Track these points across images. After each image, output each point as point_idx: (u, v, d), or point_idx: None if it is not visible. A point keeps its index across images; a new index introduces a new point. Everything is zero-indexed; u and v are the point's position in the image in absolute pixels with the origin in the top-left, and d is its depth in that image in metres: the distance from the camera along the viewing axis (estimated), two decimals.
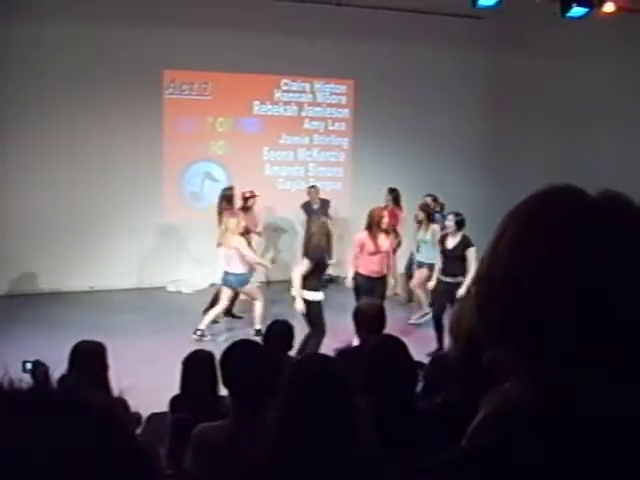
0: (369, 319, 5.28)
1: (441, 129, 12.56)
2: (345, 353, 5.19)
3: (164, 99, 11.69)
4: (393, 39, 11.88)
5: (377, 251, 8.30)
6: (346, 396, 2.44)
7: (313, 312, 7.67)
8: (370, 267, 8.33)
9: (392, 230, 9.41)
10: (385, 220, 8.37)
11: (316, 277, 7.74)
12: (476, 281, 1.01)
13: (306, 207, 11.75)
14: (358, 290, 8.41)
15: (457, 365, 2.73)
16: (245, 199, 10.26)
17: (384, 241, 8.39)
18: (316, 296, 7.71)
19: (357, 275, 8.45)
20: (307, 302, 7.67)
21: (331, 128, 12.78)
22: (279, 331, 5.49)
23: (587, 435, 0.87)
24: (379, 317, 5.30)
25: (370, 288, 8.28)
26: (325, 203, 11.75)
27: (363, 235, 8.43)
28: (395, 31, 11.77)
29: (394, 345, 3.45)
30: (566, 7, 9.86)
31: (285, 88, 12.39)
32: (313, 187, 11.93)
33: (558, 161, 11.45)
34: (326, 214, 11.35)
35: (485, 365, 0.96)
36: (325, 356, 2.74)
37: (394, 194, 11.16)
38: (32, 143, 10.76)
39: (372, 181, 12.46)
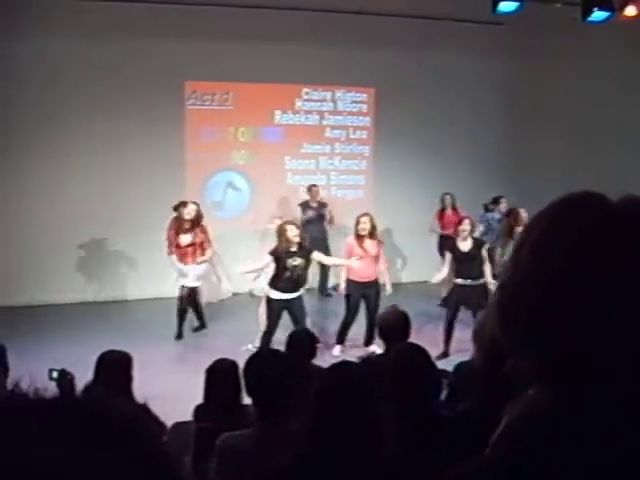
0: (393, 327, 5.26)
1: (461, 136, 12.53)
2: (368, 361, 5.17)
3: (186, 110, 11.77)
4: (413, 46, 11.88)
5: (364, 255, 8.48)
6: (375, 408, 2.43)
7: (268, 308, 8.20)
8: (359, 272, 8.50)
9: (446, 237, 9.55)
10: (361, 225, 8.54)
11: (276, 276, 8.09)
12: (498, 288, 1.01)
13: (304, 206, 11.71)
14: (349, 296, 8.68)
15: (481, 373, 2.72)
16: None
17: (371, 246, 8.56)
18: (272, 294, 8.12)
19: (348, 282, 8.66)
20: (267, 299, 8.18)
21: (352, 136, 12.78)
22: (301, 339, 5.49)
23: (612, 443, 0.86)
24: (402, 325, 5.29)
25: (362, 294, 8.57)
26: (322, 205, 11.75)
27: (351, 240, 8.67)
28: (415, 38, 11.77)
29: (417, 353, 3.43)
30: (587, 11, 9.79)
31: (306, 97, 12.42)
32: (315, 186, 11.89)
33: (577, 168, 11.37)
34: (321, 217, 11.53)
35: (508, 372, 0.96)
36: (353, 366, 2.72)
37: (451, 197, 11.54)
38: (51, 155, 10.91)
39: (394, 188, 12.48)
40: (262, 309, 8.64)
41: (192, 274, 9.53)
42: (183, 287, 9.63)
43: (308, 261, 8.26)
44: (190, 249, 9.52)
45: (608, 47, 11.17)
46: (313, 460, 2.36)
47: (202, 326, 9.93)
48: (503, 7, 9.74)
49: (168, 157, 11.46)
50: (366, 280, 8.56)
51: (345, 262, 8.70)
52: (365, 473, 2.31)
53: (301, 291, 8.32)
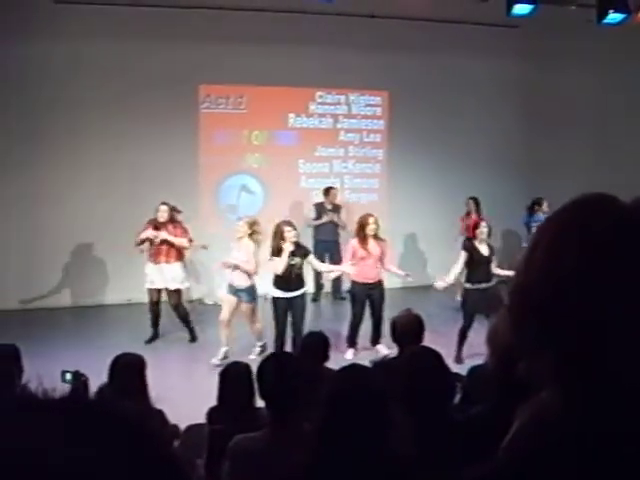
0: (406, 330, 5.25)
1: (475, 140, 12.50)
2: (381, 364, 5.17)
3: (200, 113, 11.82)
4: (427, 50, 11.87)
5: (368, 256, 8.56)
6: (384, 411, 2.43)
7: (273, 308, 8.29)
8: (364, 273, 8.60)
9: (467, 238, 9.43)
10: (371, 226, 8.59)
11: (276, 276, 8.20)
12: (510, 291, 1.00)
13: (318, 207, 11.73)
14: (354, 298, 8.81)
15: (494, 377, 2.70)
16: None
17: (374, 246, 8.61)
18: (275, 293, 8.23)
19: (353, 283, 8.81)
20: (272, 299, 8.26)
21: (366, 140, 12.77)
22: (314, 343, 5.48)
23: (623, 450, 0.85)
24: (416, 328, 5.27)
25: (367, 295, 8.70)
26: (337, 208, 11.74)
27: (354, 242, 8.72)
28: (429, 42, 11.76)
29: (431, 356, 3.42)
30: (602, 13, 9.74)
31: (320, 100, 12.43)
32: (332, 189, 11.87)
33: (592, 170, 11.33)
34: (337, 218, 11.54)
35: (521, 375, 0.95)
36: (363, 369, 2.72)
37: (475, 202, 11.55)
38: (65, 157, 11.00)
39: (408, 192, 12.47)
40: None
41: (167, 275, 9.22)
42: (152, 290, 9.32)
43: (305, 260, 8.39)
44: (164, 247, 9.18)
45: (623, 49, 11.11)
46: (324, 462, 2.36)
47: (193, 338, 9.50)
48: (518, 10, 9.72)
49: (182, 160, 11.50)
50: (370, 281, 8.65)
51: (338, 268, 8.86)
52: (376, 476, 2.31)
53: (303, 289, 8.41)
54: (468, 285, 8.60)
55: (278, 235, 8.16)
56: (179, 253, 9.32)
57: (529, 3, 9.63)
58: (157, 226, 9.17)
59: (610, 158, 12.08)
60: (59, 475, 0.62)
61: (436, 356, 3.42)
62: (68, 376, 4.30)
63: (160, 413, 4.60)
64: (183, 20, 10.90)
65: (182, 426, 5.10)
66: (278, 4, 11.11)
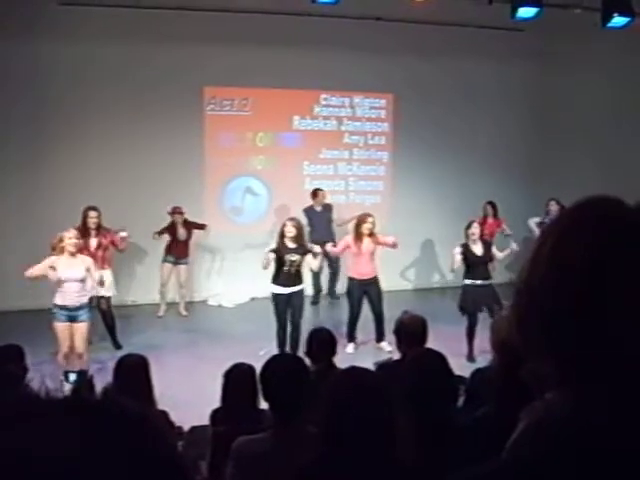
0: (410, 332, 5.23)
1: (480, 143, 12.50)
2: (385, 366, 5.16)
3: (205, 115, 11.83)
4: (432, 52, 11.87)
5: (359, 253, 8.86)
6: (388, 413, 2.43)
7: (274, 304, 8.53)
8: (359, 270, 8.91)
9: (483, 241, 9.36)
10: (365, 225, 8.83)
11: (276, 271, 8.41)
12: (515, 292, 1.00)
13: (308, 211, 11.53)
14: (350, 293, 9.06)
15: (495, 377, 2.70)
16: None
17: (368, 244, 8.86)
18: (275, 289, 8.46)
19: (349, 279, 9.11)
20: (272, 295, 8.53)
21: (371, 142, 12.77)
22: (321, 339, 5.45)
23: (628, 454, 0.85)
24: (420, 330, 5.26)
25: (363, 291, 8.97)
26: (328, 207, 11.67)
27: (349, 237, 9.04)
28: (434, 44, 11.76)
29: (435, 359, 3.42)
30: (607, 17, 9.72)
31: (324, 103, 12.44)
32: (320, 190, 11.75)
33: (598, 176, 11.27)
34: (329, 219, 11.51)
35: (524, 377, 0.95)
36: (365, 372, 2.72)
37: (492, 206, 11.57)
38: (71, 159, 11.06)
39: (412, 194, 12.46)
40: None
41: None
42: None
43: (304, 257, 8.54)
44: (99, 254, 8.86)
45: (629, 52, 11.08)
46: (328, 466, 2.36)
47: (117, 346, 8.95)
48: (522, 13, 9.71)
49: (187, 162, 11.51)
50: (366, 277, 8.90)
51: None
52: (380, 478, 2.31)
53: (302, 285, 8.62)
54: (465, 281, 8.79)
55: (281, 232, 8.39)
56: (110, 260, 9.21)
57: (534, 6, 9.61)
58: (85, 234, 8.66)
59: (618, 162, 12.01)
60: (58, 471, 0.62)
61: (439, 358, 3.42)
62: (72, 376, 4.30)
63: (164, 414, 4.61)
64: (188, 22, 10.91)
65: (185, 427, 5.10)
66: (284, 7, 11.11)
